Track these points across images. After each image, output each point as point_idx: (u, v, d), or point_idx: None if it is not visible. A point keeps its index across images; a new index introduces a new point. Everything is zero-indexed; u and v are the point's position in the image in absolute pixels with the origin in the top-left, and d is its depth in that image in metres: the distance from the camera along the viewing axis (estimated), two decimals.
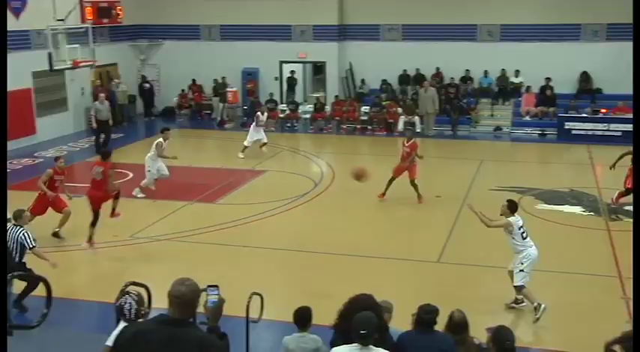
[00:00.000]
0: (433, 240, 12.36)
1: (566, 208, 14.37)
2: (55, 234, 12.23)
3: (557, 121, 21.93)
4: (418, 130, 22.57)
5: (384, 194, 14.76)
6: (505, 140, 22.28)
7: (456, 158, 19.57)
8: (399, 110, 23.01)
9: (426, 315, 5.74)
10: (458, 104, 23.16)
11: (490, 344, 5.31)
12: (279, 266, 11.55)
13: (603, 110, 21.59)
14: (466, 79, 24.12)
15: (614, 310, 9.23)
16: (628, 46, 22.36)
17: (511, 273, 9.47)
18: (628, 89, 22.19)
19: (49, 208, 12.24)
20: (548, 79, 22.73)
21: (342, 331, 5.52)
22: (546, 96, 22.69)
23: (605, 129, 21.12)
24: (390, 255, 11.60)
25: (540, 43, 22.98)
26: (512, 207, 9.59)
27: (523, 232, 9.43)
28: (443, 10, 23.67)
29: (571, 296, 10.03)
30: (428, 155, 20.37)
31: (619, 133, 20.96)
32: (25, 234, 9.20)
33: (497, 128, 22.87)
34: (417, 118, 22.70)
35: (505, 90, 23.60)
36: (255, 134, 18.99)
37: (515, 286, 9.33)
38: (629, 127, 20.84)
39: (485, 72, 23.82)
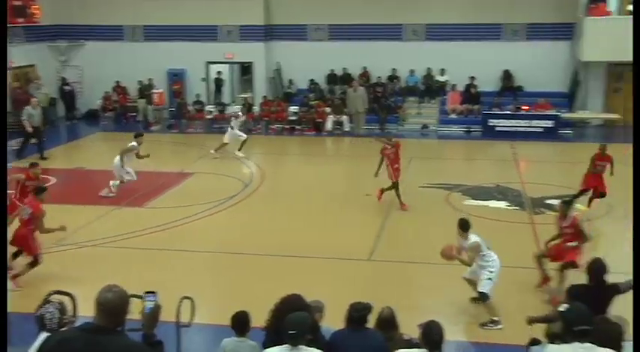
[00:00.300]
0: (364, 239, 12.40)
1: (492, 203, 14.69)
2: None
3: (481, 119, 22.45)
4: (347, 129, 22.73)
5: (403, 203, 14.11)
6: (432, 138, 22.65)
7: None
8: (328, 110, 23.10)
9: (356, 313, 5.73)
10: (385, 103, 23.42)
11: (421, 339, 5.34)
12: (209, 269, 11.37)
13: (525, 107, 22.23)
14: (393, 78, 24.41)
15: (538, 301, 9.45)
16: (546, 46, 23.23)
17: (468, 281, 9.32)
18: (547, 86, 23.08)
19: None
20: (472, 78, 23.25)
21: (274, 332, 5.46)
22: (471, 94, 23.21)
23: (527, 125, 21.75)
24: (322, 255, 11.58)
25: (464, 43, 23.48)
26: (464, 227, 9.22)
27: (487, 245, 9.22)
28: (369, 10, 23.89)
29: (497, 288, 10.22)
30: (358, 154, 20.66)
31: (540, 129, 21.66)
32: None
33: (424, 126, 23.25)
34: (345, 117, 22.87)
35: (431, 88, 24.01)
36: (234, 133, 19.06)
37: (480, 292, 9.04)
38: (550, 124, 21.62)
39: (412, 71, 24.18)
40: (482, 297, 9.01)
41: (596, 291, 6.44)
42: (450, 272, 10.88)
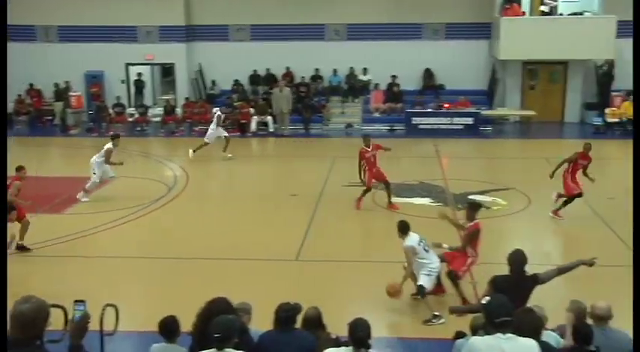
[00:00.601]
0: (291, 239, 12.35)
1: (417, 200, 14.89)
2: (23, 248, 11.49)
3: (404, 117, 22.78)
4: (271, 130, 22.64)
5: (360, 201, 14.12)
6: (356, 136, 22.66)
7: (309, 156, 19.79)
8: (252, 110, 22.95)
9: (284, 314, 5.69)
10: (309, 103, 23.46)
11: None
12: (132, 274, 11.06)
13: (446, 105, 22.69)
14: (316, 77, 24.48)
15: (467, 295, 9.62)
16: (465, 45, 23.79)
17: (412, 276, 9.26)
18: (467, 85, 23.63)
19: None
20: (394, 77, 23.58)
21: (200, 336, 5.36)
22: (393, 92, 23.52)
23: (448, 123, 22.21)
24: (249, 256, 11.46)
25: (385, 42, 23.77)
26: (403, 229, 9.15)
27: (424, 246, 9.17)
28: (291, 10, 23.89)
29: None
30: (283, 154, 20.63)
31: (461, 127, 22.14)
32: None
33: (349, 125, 23.41)
34: (269, 118, 22.78)
35: (354, 87, 24.21)
36: (216, 132, 18.88)
37: (418, 285, 9.07)
38: (470, 121, 22.13)
39: (335, 70, 24.31)
40: (420, 291, 9.05)
41: (517, 282, 6.60)
42: (378, 269, 10.98)
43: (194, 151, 18.75)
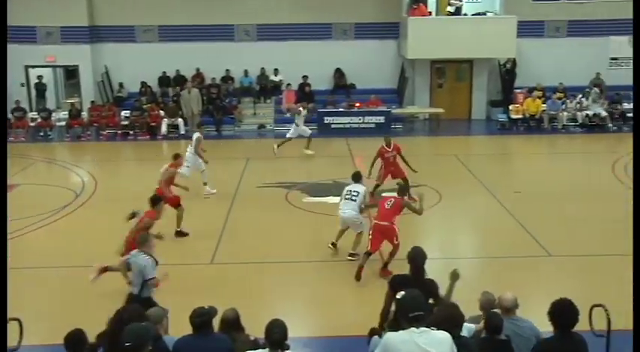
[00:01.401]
0: (205, 242, 12.12)
1: (331, 199, 14.85)
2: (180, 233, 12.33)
3: (317, 116, 22.81)
4: (182, 132, 22.21)
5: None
6: (269, 137, 22.64)
7: (223, 158, 19.46)
8: (162, 113, 22.45)
9: (198, 318, 5.55)
10: (220, 104, 23.17)
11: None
12: (36, 286, 10.53)
13: (357, 104, 22.89)
14: (227, 78, 24.20)
15: (379, 291, 9.66)
16: (374, 44, 24.10)
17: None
18: (378, 84, 23.95)
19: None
20: (305, 77, 23.60)
21: (111, 347, 5.13)
22: (305, 93, 23.54)
23: (360, 122, 22.40)
24: (162, 261, 11.11)
25: (296, 42, 23.77)
26: (355, 178, 11.55)
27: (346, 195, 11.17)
28: (199, 10, 23.51)
29: (337, 281, 10.38)
30: None
31: (372, 125, 22.37)
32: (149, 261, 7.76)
33: (261, 126, 23.27)
34: (180, 120, 22.35)
35: (266, 88, 24.08)
36: (300, 129, 18.99)
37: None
38: (382, 119, 22.38)
39: (246, 71, 24.10)
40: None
41: (415, 280, 6.63)
42: (295, 269, 10.93)
43: (278, 146, 18.79)
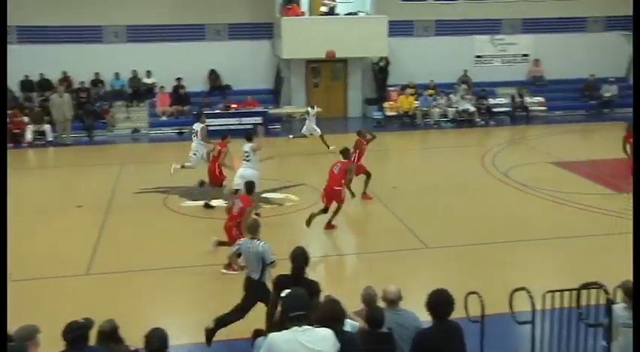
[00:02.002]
0: (79, 253, 11.54)
1: (211, 202, 14.65)
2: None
3: (192, 119, 22.33)
4: (50, 139, 21.14)
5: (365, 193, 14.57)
6: (144, 141, 22.03)
7: (95, 164, 18.76)
8: (26, 119, 21.24)
9: (71, 334, 5.24)
10: (91, 109, 22.26)
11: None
12: None
13: (234, 105, 22.65)
14: (97, 82, 23.26)
15: None
16: (249, 45, 23.98)
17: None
18: (254, 84, 23.86)
19: None
20: (179, 79, 23.10)
21: None
22: (180, 95, 23.04)
23: (237, 123, 22.11)
24: (33, 275, 10.51)
25: (168, 43, 23.23)
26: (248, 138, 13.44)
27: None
28: (63, 10, 22.43)
29: (218, 285, 10.21)
30: (65, 164, 19.30)
31: (250, 126, 22.15)
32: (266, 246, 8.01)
33: (135, 130, 22.54)
34: (47, 126, 21.23)
35: (138, 91, 23.36)
36: (311, 127, 19.49)
37: None
38: (259, 120, 22.22)
39: (117, 74, 23.26)
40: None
41: (296, 279, 6.61)
42: (174, 275, 10.65)
43: (293, 137, 19.84)
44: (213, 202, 14.24)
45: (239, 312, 7.91)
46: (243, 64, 23.65)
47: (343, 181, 12.55)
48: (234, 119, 22.22)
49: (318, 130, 19.56)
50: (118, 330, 5.89)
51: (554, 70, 24.98)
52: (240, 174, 13.14)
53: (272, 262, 7.95)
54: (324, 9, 23.55)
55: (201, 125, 15.61)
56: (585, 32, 25.58)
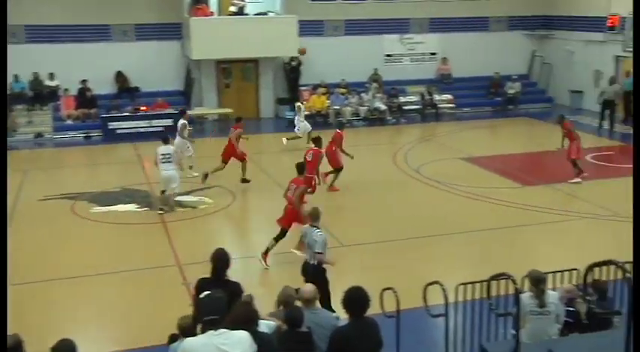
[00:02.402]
0: None
1: (121, 207, 14.24)
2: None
3: (100, 122, 21.71)
4: None
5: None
6: (48, 146, 21.14)
7: None
8: None
9: None
10: None
11: None
12: None
13: (143, 108, 22.08)
14: None
15: (178, 297, 9.37)
16: (157, 46, 23.47)
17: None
18: (164, 86, 23.37)
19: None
20: (84, 81, 22.32)
21: None
22: (86, 98, 22.27)
23: (147, 125, 21.59)
24: None
25: (72, 44, 22.43)
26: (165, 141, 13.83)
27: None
28: None
29: (133, 292, 9.93)
30: None
31: (161, 129, 21.68)
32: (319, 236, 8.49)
33: (39, 135, 21.61)
34: None
35: (41, 94, 22.41)
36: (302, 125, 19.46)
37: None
38: (170, 122, 21.72)
39: (16, 76, 22.17)
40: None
41: (217, 282, 6.46)
42: (84, 283, 10.31)
43: (288, 139, 19.34)
44: (121, 207, 14.00)
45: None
46: (152, 66, 23.11)
47: (313, 172, 13.62)
48: (144, 121, 21.69)
49: (309, 127, 19.69)
50: (22, 344, 5.59)
51: (461, 68, 25.67)
52: (163, 176, 13.59)
53: (318, 253, 8.45)
54: (233, 9, 23.31)
55: (182, 121, 16.34)
56: (489, 32, 26.42)
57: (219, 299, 4.89)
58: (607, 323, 6.84)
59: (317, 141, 14.31)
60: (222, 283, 6.25)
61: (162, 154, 13.45)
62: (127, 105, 22.29)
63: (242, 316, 5.03)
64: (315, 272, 8.37)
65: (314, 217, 8.77)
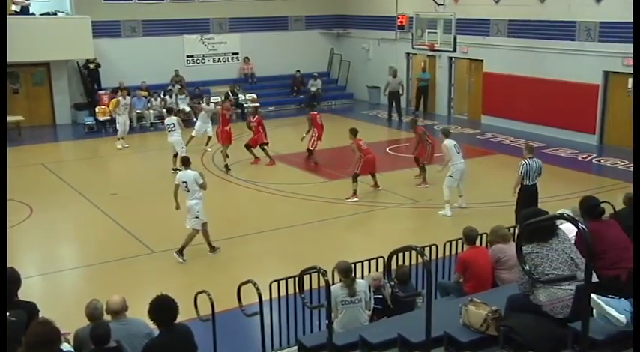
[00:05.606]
0: None
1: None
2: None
3: None
4: None
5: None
6: None
7: None
8: None
9: None
10: None
11: None
12: None
13: None
14: None
15: None
16: None
17: None
18: None
19: None
20: None
21: None
22: None
23: None
24: None
25: None
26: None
27: None
28: None
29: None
30: None
31: None
32: None
33: None
34: None
35: None
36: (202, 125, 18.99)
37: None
38: None
39: None
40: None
41: (10, 306, 5.94)
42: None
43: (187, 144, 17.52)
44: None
45: None
46: None
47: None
48: None
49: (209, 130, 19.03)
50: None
51: (264, 68, 25.94)
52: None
53: None
54: (15, 8, 21.58)
55: (176, 118, 16.90)
56: (288, 31, 26.96)
57: (21, 324, 4.46)
58: (410, 305, 7.23)
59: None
60: (15, 305, 5.75)
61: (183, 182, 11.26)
62: None
63: (42, 338, 4.59)
64: None
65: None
